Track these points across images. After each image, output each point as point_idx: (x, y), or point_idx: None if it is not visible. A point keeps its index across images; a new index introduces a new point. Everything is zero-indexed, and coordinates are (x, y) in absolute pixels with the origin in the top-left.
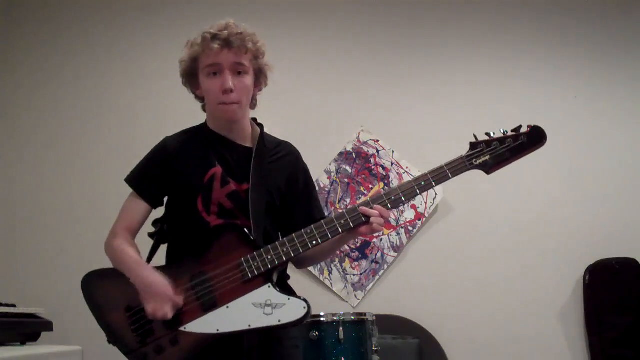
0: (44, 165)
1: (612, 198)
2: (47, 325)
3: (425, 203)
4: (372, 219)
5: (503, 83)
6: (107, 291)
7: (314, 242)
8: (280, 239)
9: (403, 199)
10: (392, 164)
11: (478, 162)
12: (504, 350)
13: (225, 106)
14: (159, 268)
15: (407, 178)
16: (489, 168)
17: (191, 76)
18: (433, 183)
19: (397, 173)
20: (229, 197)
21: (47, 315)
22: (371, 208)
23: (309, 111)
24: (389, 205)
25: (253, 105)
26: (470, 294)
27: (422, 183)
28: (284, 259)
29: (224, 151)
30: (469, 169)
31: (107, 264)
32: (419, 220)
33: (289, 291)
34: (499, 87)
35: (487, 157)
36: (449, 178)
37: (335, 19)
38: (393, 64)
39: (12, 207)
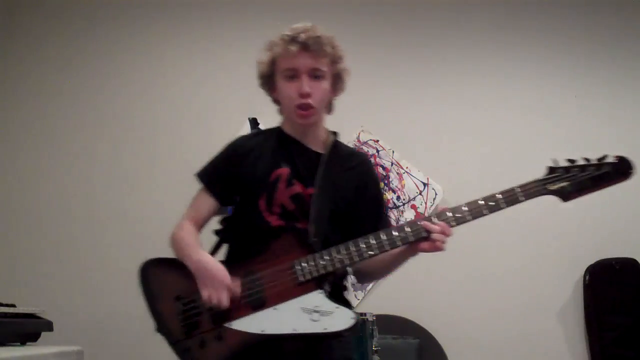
0: (44, 165)
1: (612, 198)
2: (47, 325)
3: (425, 203)
4: (433, 235)
5: (503, 83)
6: (160, 279)
7: (370, 253)
8: (336, 246)
9: (469, 218)
10: (392, 164)
11: (554, 187)
12: (504, 350)
13: (302, 111)
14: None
15: (407, 178)
16: (566, 195)
17: (268, 78)
18: (503, 204)
19: (397, 173)
20: (292, 199)
21: (47, 315)
22: (434, 224)
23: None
24: (452, 222)
25: (330, 110)
26: (471, 294)
27: (491, 203)
28: (337, 266)
29: (294, 153)
30: (543, 194)
31: (107, 264)
32: None
33: (340, 300)
34: (499, 87)
35: (566, 184)
36: (520, 201)
37: (335, 19)
38: (393, 64)
39: (12, 207)
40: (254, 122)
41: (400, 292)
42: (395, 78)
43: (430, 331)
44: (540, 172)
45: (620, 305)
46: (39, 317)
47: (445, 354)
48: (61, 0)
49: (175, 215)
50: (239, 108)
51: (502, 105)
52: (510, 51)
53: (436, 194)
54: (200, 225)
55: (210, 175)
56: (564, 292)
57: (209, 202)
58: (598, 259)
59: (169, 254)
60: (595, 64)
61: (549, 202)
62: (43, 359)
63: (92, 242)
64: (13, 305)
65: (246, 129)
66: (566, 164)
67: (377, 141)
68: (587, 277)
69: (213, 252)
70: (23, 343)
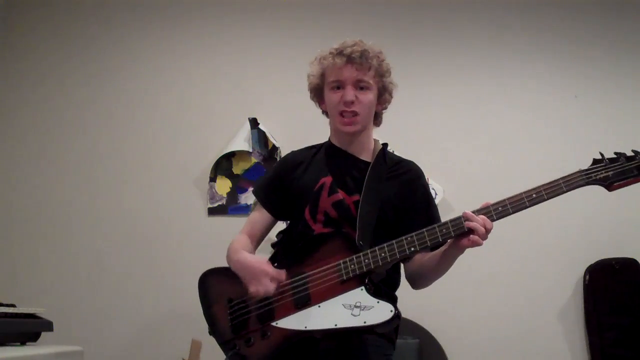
0: (43, 165)
1: (613, 198)
2: (47, 325)
3: None
4: (472, 225)
5: (503, 83)
6: (215, 285)
7: (412, 249)
8: (380, 245)
9: (510, 210)
10: None
11: (598, 176)
12: (504, 350)
13: (344, 119)
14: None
15: None
16: (610, 183)
17: (317, 91)
18: (545, 196)
19: None
20: (334, 206)
21: (47, 315)
22: (475, 217)
23: (309, 111)
24: (494, 216)
25: (378, 122)
26: (470, 294)
27: (533, 195)
28: (380, 263)
29: (339, 162)
30: (587, 184)
31: (107, 264)
32: None
33: (385, 297)
34: (499, 88)
35: (610, 173)
36: (563, 192)
37: (335, 19)
38: (392, 65)
39: (12, 206)
40: (253, 122)
41: (400, 292)
42: (395, 78)
43: (430, 331)
44: (539, 171)
45: (620, 305)
46: (39, 317)
47: (445, 354)
48: (61, 1)
49: (175, 215)
50: (239, 108)
51: (502, 105)
52: (510, 52)
53: (436, 194)
54: (256, 238)
55: (262, 190)
56: (564, 292)
57: (263, 216)
58: (598, 259)
59: (168, 254)
60: (595, 64)
61: (548, 202)
62: (43, 359)
63: (93, 242)
64: (13, 305)
65: (246, 129)
66: (613, 156)
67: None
68: (587, 277)
69: (281, 261)
70: (23, 343)
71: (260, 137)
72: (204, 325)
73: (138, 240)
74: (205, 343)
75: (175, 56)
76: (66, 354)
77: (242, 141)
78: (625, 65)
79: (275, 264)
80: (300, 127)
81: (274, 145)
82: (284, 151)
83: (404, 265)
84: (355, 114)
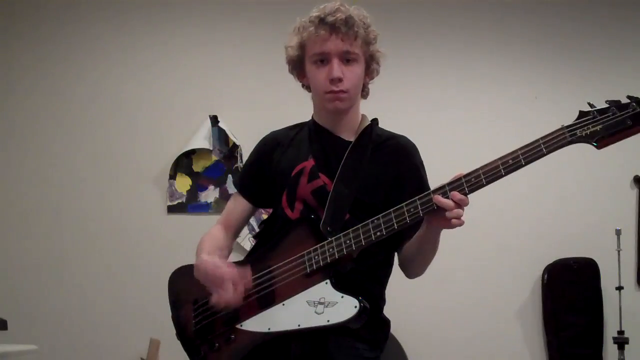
0: (9, 165)
1: (572, 199)
2: (2, 324)
3: None
4: (447, 214)
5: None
6: (182, 286)
7: (378, 234)
8: (346, 231)
9: (484, 181)
10: None
11: (584, 133)
12: (463, 349)
13: (334, 95)
14: (236, 263)
15: None
16: (599, 139)
17: (297, 63)
18: (522, 162)
19: None
20: (314, 194)
21: (1, 314)
22: (447, 197)
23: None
24: (467, 190)
25: (365, 94)
26: (429, 292)
27: (510, 161)
28: (345, 252)
29: (323, 143)
30: (571, 143)
31: (63, 261)
32: None
33: (350, 289)
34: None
35: (599, 127)
36: (544, 155)
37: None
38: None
39: None
40: (214, 120)
41: None
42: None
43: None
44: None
45: (578, 304)
46: None
47: (405, 353)
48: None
49: (134, 213)
50: (199, 105)
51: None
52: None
53: None
54: (233, 228)
55: (241, 176)
56: (523, 291)
57: (241, 204)
58: (556, 259)
59: (127, 252)
60: (556, 65)
61: (508, 201)
62: None
63: (48, 241)
64: None
65: (206, 127)
66: (604, 105)
67: None
68: (545, 277)
69: (250, 254)
70: None
71: (221, 135)
72: (163, 324)
73: (96, 239)
74: (164, 342)
75: (135, 51)
76: (21, 353)
77: (202, 139)
78: (585, 66)
79: (248, 256)
80: (262, 124)
81: (234, 144)
82: (244, 149)
83: (397, 254)
84: (343, 91)
